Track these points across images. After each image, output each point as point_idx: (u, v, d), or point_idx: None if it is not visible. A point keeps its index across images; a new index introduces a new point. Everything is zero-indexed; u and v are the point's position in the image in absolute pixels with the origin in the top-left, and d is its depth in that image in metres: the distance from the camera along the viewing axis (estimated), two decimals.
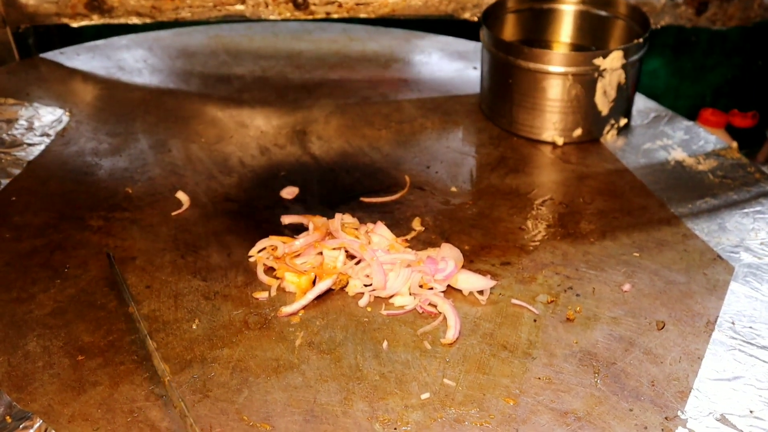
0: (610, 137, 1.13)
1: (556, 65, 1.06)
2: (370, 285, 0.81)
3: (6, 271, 0.83)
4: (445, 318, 0.78)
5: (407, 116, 1.18)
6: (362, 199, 0.97)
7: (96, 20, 1.27)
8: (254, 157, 1.06)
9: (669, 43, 1.69)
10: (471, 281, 0.82)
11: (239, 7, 1.27)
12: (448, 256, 0.83)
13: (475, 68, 1.33)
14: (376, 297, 0.81)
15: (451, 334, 0.76)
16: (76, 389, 0.68)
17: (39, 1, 1.24)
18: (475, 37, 1.36)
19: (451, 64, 1.35)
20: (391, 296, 0.80)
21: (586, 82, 1.07)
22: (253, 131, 1.12)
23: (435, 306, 0.79)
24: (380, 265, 0.80)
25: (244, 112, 1.17)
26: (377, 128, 1.15)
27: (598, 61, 1.05)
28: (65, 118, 1.11)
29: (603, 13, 1.23)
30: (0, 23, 1.24)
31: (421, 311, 0.79)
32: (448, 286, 0.82)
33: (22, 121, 1.09)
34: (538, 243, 0.90)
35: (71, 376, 0.70)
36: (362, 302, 0.80)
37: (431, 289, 0.81)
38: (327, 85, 1.27)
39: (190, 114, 1.16)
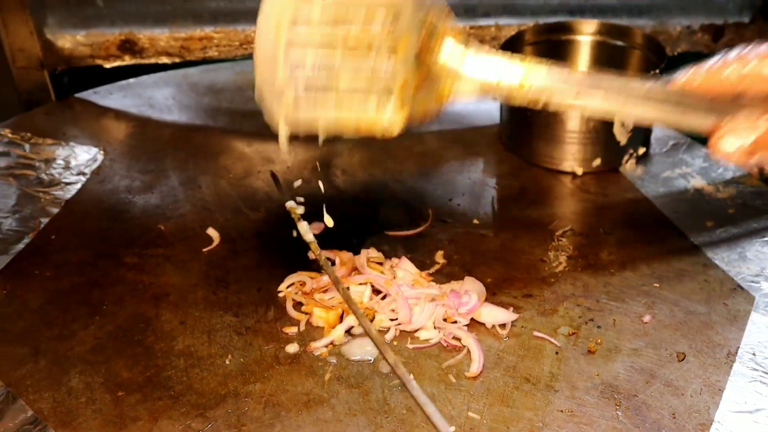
0: (629, 166, 1.15)
1: None
2: (396, 319, 0.83)
3: (48, 309, 0.87)
4: (468, 351, 0.80)
5: (429, 148, 1.21)
6: (387, 232, 1.00)
7: (128, 61, 1.32)
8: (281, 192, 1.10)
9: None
10: (494, 314, 0.84)
11: None
12: (471, 289, 0.85)
13: (494, 99, 1.36)
14: (401, 331, 0.83)
15: (475, 367, 0.78)
16: (117, 424, 0.72)
17: (74, 45, 1.30)
18: None
19: None
20: (416, 330, 0.83)
21: None
22: (279, 166, 1.16)
23: (459, 339, 0.81)
24: (405, 299, 0.83)
25: (269, 147, 1.21)
26: (399, 161, 1.18)
27: None
28: (100, 157, 1.16)
29: (619, 43, 1.25)
30: (38, 66, 1.29)
31: (445, 345, 0.81)
32: (472, 319, 0.84)
33: (59, 161, 1.14)
34: (559, 275, 0.92)
35: (112, 411, 0.73)
36: (388, 336, 0.82)
37: (455, 322, 0.83)
38: None
39: (219, 150, 1.21)
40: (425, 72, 0.58)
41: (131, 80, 1.39)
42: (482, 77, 0.61)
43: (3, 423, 0.71)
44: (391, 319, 0.83)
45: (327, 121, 0.59)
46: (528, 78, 0.62)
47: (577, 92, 0.62)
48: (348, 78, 0.57)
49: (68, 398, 0.75)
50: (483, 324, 0.84)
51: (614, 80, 0.65)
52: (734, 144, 0.63)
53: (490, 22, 1.36)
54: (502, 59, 0.62)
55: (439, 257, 0.95)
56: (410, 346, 0.81)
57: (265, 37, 0.58)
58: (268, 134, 1.24)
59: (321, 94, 0.58)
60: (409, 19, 0.55)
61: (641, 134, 1.15)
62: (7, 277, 0.91)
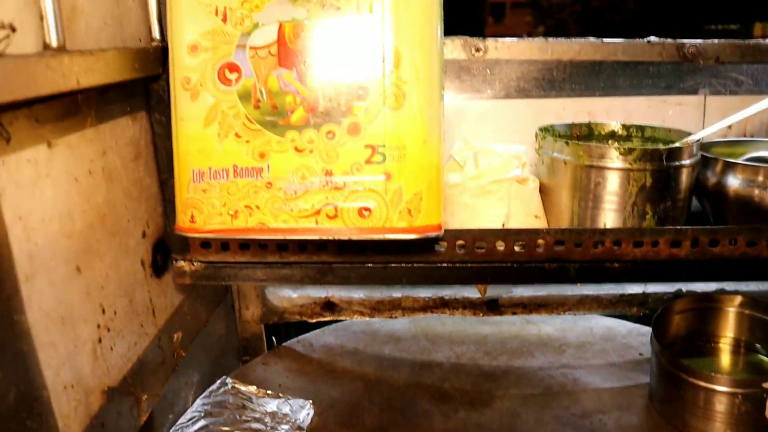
0: None
1: (723, 386, 1.23)
2: None
3: None
4: None
5: (587, 410, 1.37)
6: None
7: (327, 317, 1.61)
8: None
9: None
10: None
11: (443, 309, 1.57)
12: None
13: (641, 354, 1.52)
14: None
15: None
16: None
17: (288, 305, 1.61)
18: (634, 319, 1.56)
19: (617, 349, 1.55)
20: None
21: (755, 399, 1.22)
22: (458, 423, 1.36)
23: None
24: None
25: (448, 405, 1.42)
26: (563, 423, 1.34)
27: (766, 384, 1.21)
28: (311, 411, 1.41)
29: (762, 316, 1.40)
30: (258, 321, 1.60)
31: None
32: None
33: (280, 415, 1.39)
34: None
35: None
36: None
37: None
38: (512, 373, 1.50)
39: (404, 404, 1.42)
40: None
41: (326, 329, 1.68)
42: None
43: None
44: None
45: None
46: None
47: None
48: None
49: None
50: None
51: None
52: None
53: (637, 290, 1.56)
54: None
55: None
56: None
57: None
58: (444, 389, 1.46)
59: None
60: None
61: None
62: None
